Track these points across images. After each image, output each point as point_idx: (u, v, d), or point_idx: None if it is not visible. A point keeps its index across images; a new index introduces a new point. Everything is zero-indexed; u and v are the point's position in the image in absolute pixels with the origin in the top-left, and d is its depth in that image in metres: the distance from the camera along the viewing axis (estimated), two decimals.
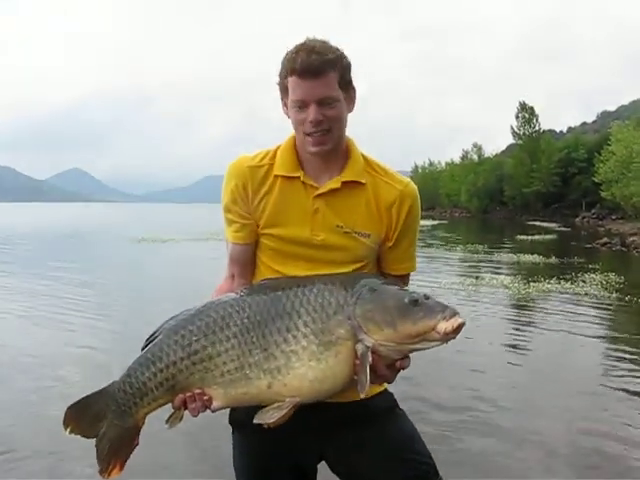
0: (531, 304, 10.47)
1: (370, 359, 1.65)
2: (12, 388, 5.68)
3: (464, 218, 69.16)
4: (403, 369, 1.74)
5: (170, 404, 1.74)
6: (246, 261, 2.01)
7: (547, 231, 34.88)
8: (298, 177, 1.93)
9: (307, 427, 1.83)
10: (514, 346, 7.44)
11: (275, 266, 1.95)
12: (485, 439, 4.58)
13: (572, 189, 62.99)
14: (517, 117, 72.78)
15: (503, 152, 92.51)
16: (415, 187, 1.99)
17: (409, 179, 1.99)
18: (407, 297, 1.69)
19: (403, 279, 2.04)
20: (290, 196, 1.93)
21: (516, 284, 12.23)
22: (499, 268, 15.68)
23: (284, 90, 1.88)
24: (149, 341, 1.77)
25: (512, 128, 73.49)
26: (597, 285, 12.15)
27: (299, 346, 1.68)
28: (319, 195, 1.92)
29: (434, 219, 61.18)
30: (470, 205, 78.69)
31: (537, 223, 45.89)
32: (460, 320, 1.62)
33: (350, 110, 1.92)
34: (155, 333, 1.77)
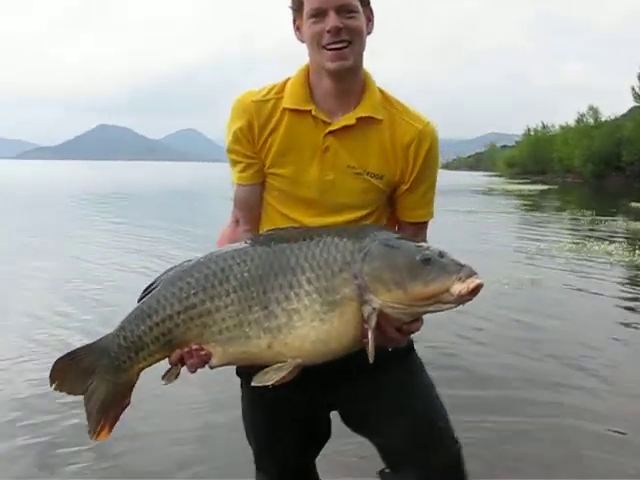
0: (630, 271, 9.98)
1: (375, 322, 1.55)
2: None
3: (576, 184, 66.00)
4: (413, 332, 1.66)
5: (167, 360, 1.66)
6: (251, 204, 1.90)
7: None
8: (309, 111, 1.80)
9: (315, 377, 1.71)
10: (617, 321, 6.95)
11: (283, 209, 1.86)
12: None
13: None
14: (639, 77, 68.48)
15: (623, 116, 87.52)
16: (435, 127, 1.86)
17: (429, 120, 1.86)
18: (419, 254, 1.55)
19: (420, 228, 1.93)
20: (299, 132, 1.81)
21: (620, 251, 11.63)
22: (601, 234, 14.87)
23: (298, 7, 1.78)
24: (146, 292, 1.68)
25: (633, 89, 69.30)
26: None
27: (301, 304, 1.58)
28: (331, 132, 1.80)
29: (544, 184, 58.95)
30: (584, 170, 75.08)
31: None
32: (477, 281, 1.49)
33: (369, 32, 1.80)
34: (153, 284, 1.68)
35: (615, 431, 3.93)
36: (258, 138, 1.83)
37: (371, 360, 1.54)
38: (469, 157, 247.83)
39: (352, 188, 1.81)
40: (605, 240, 13.44)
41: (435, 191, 1.91)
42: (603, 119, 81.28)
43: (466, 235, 13.84)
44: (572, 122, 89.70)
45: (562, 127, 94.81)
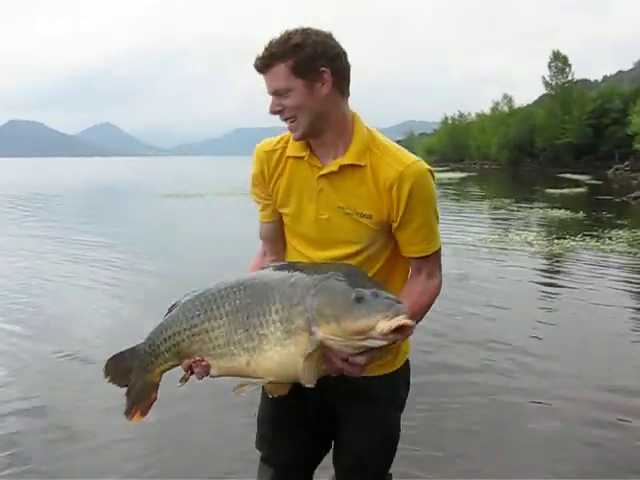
0: (555, 262, 10.30)
1: (314, 351, 1.71)
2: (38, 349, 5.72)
3: (493, 170, 68.13)
4: (361, 364, 1.75)
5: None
6: (272, 239, 2.21)
7: (577, 184, 34.23)
8: (303, 157, 2.03)
9: (321, 388, 1.88)
10: (536, 306, 7.31)
11: (293, 243, 2.14)
12: (498, 401, 4.52)
13: (605, 140, 61.68)
14: (550, 67, 71.08)
15: (535, 102, 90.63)
16: (421, 167, 1.96)
17: (415, 159, 1.97)
18: (354, 293, 1.68)
19: (423, 261, 2.05)
20: (299, 176, 2.06)
21: (540, 241, 12.03)
22: (526, 224, 15.41)
23: None
24: (169, 310, 1.99)
25: (544, 78, 71.88)
26: (624, 242, 11.87)
27: (269, 330, 1.77)
28: (322, 176, 2.01)
29: (463, 171, 60.54)
30: (500, 157, 77.54)
31: (568, 175, 45.00)
32: (402, 321, 1.60)
33: (325, 92, 1.92)
34: (174, 304, 1.99)
35: (534, 402, 4.55)
36: (269, 182, 2.11)
37: (307, 385, 1.73)
38: None
39: (344, 226, 2.01)
40: (525, 230, 13.91)
41: (433, 226, 2.02)
42: (517, 106, 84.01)
43: None
44: (488, 110, 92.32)
45: (478, 115, 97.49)
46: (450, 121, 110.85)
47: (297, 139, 2.00)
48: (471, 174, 55.10)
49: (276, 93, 1.93)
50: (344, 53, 1.97)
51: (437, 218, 2.05)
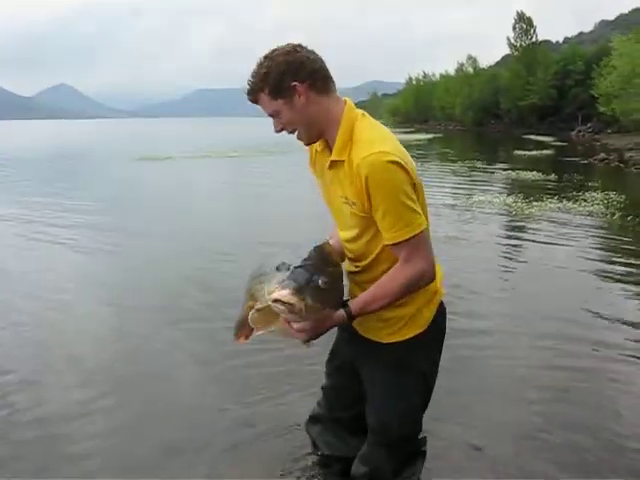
0: (531, 224, 10.52)
1: (264, 307, 2.24)
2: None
3: (458, 132, 68.51)
4: (300, 331, 2.21)
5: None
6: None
7: (543, 146, 34.60)
8: (320, 150, 2.41)
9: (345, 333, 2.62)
10: (507, 268, 7.60)
11: None
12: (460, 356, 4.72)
13: (568, 102, 62.27)
14: (514, 28, 71.04)
15: (498, 63, 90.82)
16: (376, 159, 2.11)
17: (376, 150, 2.12)
18: (279, 264, 2.20)
19: (397, 248, 2.22)
20: (321, 166, 2.41)
21: (518, 203, 12.30)
22: (502, 187, 15.71)
23: None
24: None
25: (508, 39, 71.94)
26: (599, 204, 12.24)
27: (260, 294, 2.26)
28: (327, 168, 2.33)
29: (428, 132, 60.68)
30: (465, 118, 77.88)
31: (532, 137, 45.54)
32: (275, 295, 2.08)
33: (303, 102, 2.21)
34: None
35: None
36: (313, 169, 2.53)
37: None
38: None
39: (345, 212, 2.32)
40: (502, 192, 14.20)
41: (399, 214, 2.15)
42: (482, 66, 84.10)
43: None
44: (452, 71, 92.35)
45: (443, 76, 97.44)
46: (414, 82, 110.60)
47: (308, 144, 2.40)
48: (437, 135, 55.32)
49: (271, 116, 2.27)
50: (308, 58, 2.20)
51: (405, 206, 2.14)
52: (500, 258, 8.12)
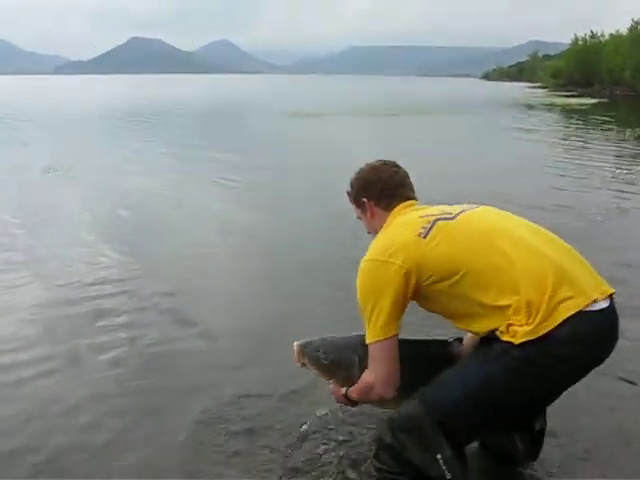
0: None
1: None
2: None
3: (626, 97, 63.75)
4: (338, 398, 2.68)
5: None
6: None
7: None
8: None
9: None
10: None
11: None
12: None
13: None
14: None
15: None
16: (361, 267, 2.42)
17: (365, 258, 2.43)
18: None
19: None
20: None
21: None
22: None
23: None
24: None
25: None
26: None
27: None
28: None
29: (592, 97, 57.01)
30: (635, 82, 72.37)
31: None
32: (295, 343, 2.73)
33: (370, 215, 2.68)
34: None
35: None
36: None
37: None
38: (510, 67, 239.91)
39: None
40: None
41: (365, 317, 2.39)
42: None
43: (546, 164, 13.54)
44: (625, 30, 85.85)
45: (613, 36, 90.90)
46: (580, 42, 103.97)
47: None
48: (602, 100, 51.83)
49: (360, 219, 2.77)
50: (381, 179, 2.63)
51: (368, 312, 2.34)
52: None
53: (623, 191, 9.95)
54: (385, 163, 2.70)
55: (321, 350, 2.66)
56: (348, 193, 2.76)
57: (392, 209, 2.59)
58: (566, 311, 2.14)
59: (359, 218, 2.75)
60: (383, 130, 22.18)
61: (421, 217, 2.42)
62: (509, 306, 2.19)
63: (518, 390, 2.23)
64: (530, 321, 2.14)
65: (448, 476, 2.28)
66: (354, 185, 2.72)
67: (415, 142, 17.23)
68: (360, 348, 2.49)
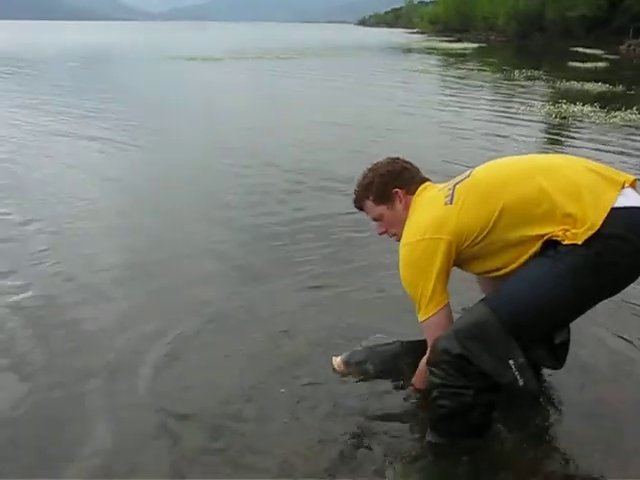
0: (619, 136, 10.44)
1: None
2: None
3: (501, 42, 66.18)
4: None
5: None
6: None
7: (596, 58, 33.11)
8: None
9: None
10: None
11: None
12: None
13: (619, 14, 59.79)
14: None
15: None
16: (402, 246, 2.52)
17: (405, 241, 2.51)
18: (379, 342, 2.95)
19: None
20: None
21: (600, 114, 12.11)
22: (573, 97, 14.87)
23: None
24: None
25: None
26: None
27: None
28: None
29: (470, 42, 58.81)
30: (508, 29, 75.22)
31: (580, 49, 43.77)
32: (333, 360, 2.91)
33: (402, 206, 2.63)
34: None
35: None
36: None
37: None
38: (386, 13, 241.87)
39: None
40: (576, 102, 13.71)
41: (413, 295, 2.48)
42: None
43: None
44: None
45: None
46: None
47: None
48: (482, 45, 53.66)
49: (375, 220, 2.73)
50: (405, 168, 2.67)
51: (419, 291, 2.41)
52: None
53: None
54: (389, 157, 2.72)
55: (368, 362, 2.80)
56: (360, 197, 2.71)
57: (413, 194, 2.63)
58: (609, 205, 2.21)
59: (375, 219, 2.72)
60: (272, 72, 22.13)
61: (440, 190, 2.54)
62: (556, 221, 2.25)
63: (588, 286, 2.24)
64: (582, 224, 2.20)
65: (520, 382, 2.23)
66: (378, 182, 2.65)
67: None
68: (407, 357, 2.75)
